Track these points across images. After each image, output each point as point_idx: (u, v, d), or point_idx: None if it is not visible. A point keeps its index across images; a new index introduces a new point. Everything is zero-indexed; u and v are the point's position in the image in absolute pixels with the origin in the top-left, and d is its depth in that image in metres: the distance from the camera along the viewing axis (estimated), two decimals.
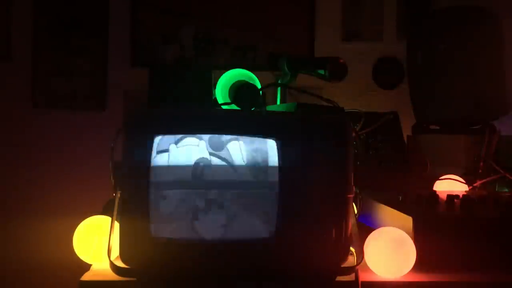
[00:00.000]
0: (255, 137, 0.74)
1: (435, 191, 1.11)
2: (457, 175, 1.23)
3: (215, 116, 0.80)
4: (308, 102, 1.10)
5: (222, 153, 0.74)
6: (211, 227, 0.73)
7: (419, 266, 0.76)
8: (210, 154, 0.74)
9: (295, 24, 2.11)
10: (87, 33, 2.04)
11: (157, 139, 0.73)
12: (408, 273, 0.75)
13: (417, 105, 1.55)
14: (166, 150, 0.73)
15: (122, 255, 0.73)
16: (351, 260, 0.78)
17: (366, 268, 0.76)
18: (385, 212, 0.90)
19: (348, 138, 0.77)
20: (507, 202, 0.93)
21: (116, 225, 0.76)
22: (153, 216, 0.72)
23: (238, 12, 2.09)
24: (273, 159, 0.74)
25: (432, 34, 1.48)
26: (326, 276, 0.74)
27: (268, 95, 1.31)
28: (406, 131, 1.42)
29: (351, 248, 0.78)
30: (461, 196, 0.95)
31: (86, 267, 0.79)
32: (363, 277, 0.74)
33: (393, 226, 0.79)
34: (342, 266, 0.75)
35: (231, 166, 0.74)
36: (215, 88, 1.10)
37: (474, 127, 1.45)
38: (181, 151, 0.74)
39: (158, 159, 0.73)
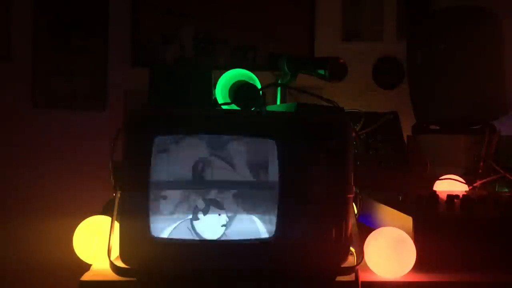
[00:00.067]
0: (255, 137, 0.74)
1: (435, 191, 1.11)
2: (457, 175, 1.23)
3: (215, 116, 0.80)
4: (308, 102, 1.10)
5: (222, 153, 0.74)
6: (211, 227, 0.73)
7: (419, 266, 0.76)
8: (210, 154, 0.74)
9: (295, 24, 2.11)
10: (87, 33, 2.04)
11: (157, 139, 0.73)
12: (408, 273, 0.75)
13: (417, 105, 1.55)
14: (166, 150, 0.73)
15: (122, 255, 0.73)
16: (351, 260, 0.78)
17: (366, 268, 0.76)
18: (385, 212, 0.90)
19: (348, 138, 0.77)
20: (507, 202, 0.93)
21: (116, 225, 0.76)
22: (153, 216, 0.72)
23: (238, 12, 2.09)
24: (273, 159, 0.74)
25: (432, 34, 1.48)
26: (326, 276, 0.74)
27: (268, 95, 1.31)
28: (406, 131, 1.42)
29: (351, 248, 0.78)
30: (461, 196, 0.95)
31: (86, 267, 0.79)
32: (363, 277, 0.74)
33: (393, 226, 0.79)
34: (342, 266, 0.75)
35: (231, 166, 0.74)
36: (215, 88, 1.10)
37: (474, 127, 1.45)
38: (181, 151, 0.74)
39: (158, 159, 0.73)
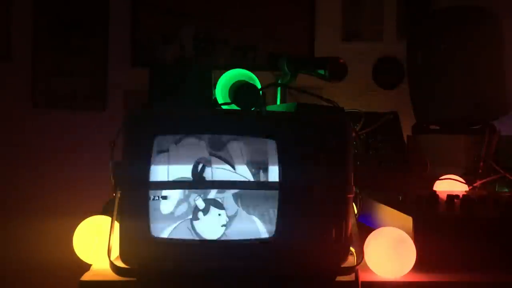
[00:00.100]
0: (255, 137, 0.74)
1: (435, 191, 1.11)
2: (457, 175, 1.23)
3: (215, 116, 0.80)
4: (308, 102, 1.10)
5: (222, 153, 0.74)
6: (211, 227, 0.73)
7: (419, 266, 0.76)
8: (210, 154, 0.74)
9: (295, 24, 2.11)
10: (87, 33, 2.04)
11: (157, 139, 0.73)
12: (408, 273, 0.75)
13: (417, 105, 1.55)
14: (166, 150, 0.73)
15: (122, 255, 0.73)
16: (351, 260, 0.78)
17: (366, 268, 0.76)
18: (385, 212, 0.90)
19: (348, 138, 0.77)
20: (507, 202, 0.93)
21: (116, 225, 0.76)
22: (153, 216, 0.72)
23: (238, 12, 2.09)
24: (273, 159, 0.74)
25: (432, 34, 1.48)
26: (326, 276, 0.74)
27: (268, 95, 1.31)
28: (406, 131, 1.42)
29: (351, 248, 0.78)
30: (461, 196, 0.95)
31: (86, 267, 0.79)
32: (363, 277, 0.74)
33: (393, 226, 0.79)
34: (342, 266, 0.75)
35: (231, 166, 0.74)
36: (215, 88, 1.10)
37: (474, 127, 1.45)
38: (181, 151, 0.74)
39: (158, 159, 0.73)
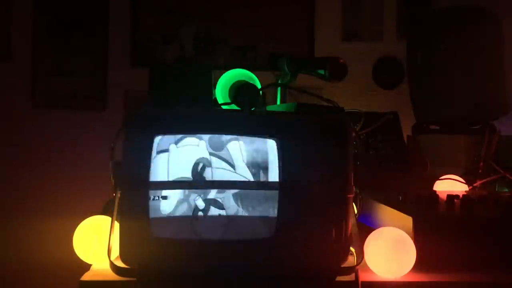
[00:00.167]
0: (255, 137, 0.74)
1: (435, 191, 1.11)
2: (457, 175, 1.23)
3: (215, 116, 0.80)
4: (308, 102, 1.10)
5: (222, 153, 0.74)
6: (211, 227, 0.73)
7: (419, 266, 0.76)
8: (210, 154, 0.74)
9: (295, 24, 2.11)
10: (87, 33, 2.04)
11: (157, 139, 0.73)
12: (408, 273, 0.75)
13: (417, 105, 1.55)
14: (166, 150, 0.73)
15: (122, 255, 0.73)
16: (351, 260, 0.78)
17: (366, 268, 0.76)
18: (385, 212, 0.90)
19: (348, 138, 0.77)
20: (507, 202, 0.93)
21: (116, 225, 0.76)
22: (153, 216, 0.72)
23: (239, 12, 2.09)
24: (273, 159, 0.74)
25: (432, 34, 1.48)
26: (326, 276, 0.74)
27: (268, 95, 1.31)
28: (406, 131, 1.42)
29: (351, 248, 0.78)
30: (461, 196, 0.95)
31: (86, 267, 0.79)
32: (363, 277, 0.74)
33: (393, 226, 0.79)
34: (342, 266, 0.75)
35: (231, 166, 0.74)
36: (215, 88, 1.10)
37: (474, 127, 1.45)
38: (181, 151, 0.74)
39: (158, 159, 0.73)
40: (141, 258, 0.73)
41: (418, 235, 0.78)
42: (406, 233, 0.77)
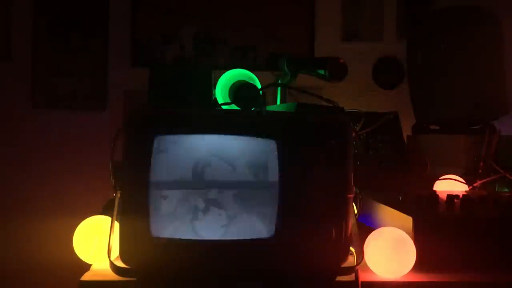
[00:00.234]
0: (255, 137, 0.74)
1: (435, 191, 1.11)
2: (457, 175, 1.23)
3: (215, 116, 0.80)
4: (308, 102, 1.10)
5: (222, 153, 0.74)
6: (211, 227, 0.73)
7: (419, 266, 0.76)
8: (210, 154, 0.74)
9: (295, 24, 2.11)
10: (87, 33, 2.04)
11: (157, 139, 0.73)
12: (408, 273, 0.75)
13: (417, 105, 1.55)
14: (166, 150, 0.73)
15: (122, 255, 0.73)
16: (351, 260, 0.78)
17: (366, 268, 0.76)
18: (385, 212, 0.90)
19: (348, 138, 0.77)
20: (507, 202, 0.93)
21: (116, 225, 0.76)
22: (153, 216, 0.72)
23: (239, 12, 2.09)
24: (273, 159, 0.74)
25: (432, 34, 1.48)
26: (326, 276, 0.74)
27: (268, 95, 1.31)
28: (406, 131, 1.42)
29: (351, 248, 0.78)
30: (461, 196, 0.95)
31: (86, 267, 0.79)
32: (363, 277, 0.74)
33: (393, 226, 0.79)
34: (342, 266, 0.75)
35: (231, 166, 0.74)
36: (215, 88, 1.10)
37: (474, 127, 1.45)
38: (181, 151, 0.74)
39: (158, 159, 0.73)
40: (141, 258, 0.73)
41: (418, 235, 0.78)
42: (406, 233, 0.77)
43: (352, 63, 1.17)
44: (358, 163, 0.81)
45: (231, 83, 1.08)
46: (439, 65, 1.46)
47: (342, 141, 0.76)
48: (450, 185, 1.20)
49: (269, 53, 2.05)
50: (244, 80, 1.07)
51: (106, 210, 0.92)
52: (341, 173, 0.75)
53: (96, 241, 0.79)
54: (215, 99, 1.10)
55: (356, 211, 0.83)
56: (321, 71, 1.10)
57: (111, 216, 0.77)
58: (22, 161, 2.00)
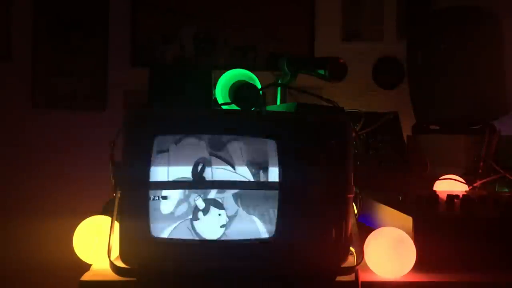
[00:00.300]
0: (255, 137, 0.74)
1: (435, 191, 1.11)
2: (457, 175, 1.23)
3: (215, 116, 0.80)
4: (308, 102, 1.10)
5: (222, 153, 0.74)
6: (211, 227, 0.73)
7: (419, 266, 0.76)
8: (210, 154, 0.74)
9: (295, 24, 2.11)
10: (87, 33, 2.04)
11: (157, 139, 0.73)
12: (408, 273, 0.75)
13: (417, 105, 1.55)
14: (166, 150, 0.73)
15: (122, 255, 0.73)
16: (351, 260, 0.78)
17: (366, 268, 0.76)
18: (385, 212, 0.90)
19: (348, 138, 0.77)
20: (507, 202, 0.93)
21: (116, 225, 0.76)
22: (153, 216, 0.72)
23: (239, 12, 2.09)
24: (273, 159, 0.74)
25: (432, 34, 1.48)
26: (326, 276, 0.74)
27: (268, 95, 1.31)
28: (406, 131, 1.42)
29: (351, 248, 0.78)
30: (461, 196, 0.95)
31: (86, 267, 0.79)
32: (363, 277, 0.74)
33: (393, 226, 0.79)
34: (342, 266, 0.75)
35: (231, 166, 0.74)
36: (215, 88, 1.10)
37: (474, 127, 1.45)
38: (181, 151, 0.74)
39: (158, 159, 0.73)
40: (141, 258, 0.73)
41: (418, 235, 0.78)
42: (406, 233, 0.77)
43: (352, 63, 1.17)
44: (358, 163, 0.81)
45: (231, 83, 1.08)
46: (439, 65, 1.46)
47: (342, 141, 0.76)
48: (450, 185, 1.20)
49: (269, 53, 2.06)
50: (244, 80, 1.07)
51: (106, 210, 0.92)
52: (341, 173, 0.75)
53: (96, 241, 0.79)
54: (215, 99, 1.10)
55: (356, 211, 0.83)
56: (321, 71, 1.10)
57: (111, 216, 0.77)
58: (22, 161, 2.00)
